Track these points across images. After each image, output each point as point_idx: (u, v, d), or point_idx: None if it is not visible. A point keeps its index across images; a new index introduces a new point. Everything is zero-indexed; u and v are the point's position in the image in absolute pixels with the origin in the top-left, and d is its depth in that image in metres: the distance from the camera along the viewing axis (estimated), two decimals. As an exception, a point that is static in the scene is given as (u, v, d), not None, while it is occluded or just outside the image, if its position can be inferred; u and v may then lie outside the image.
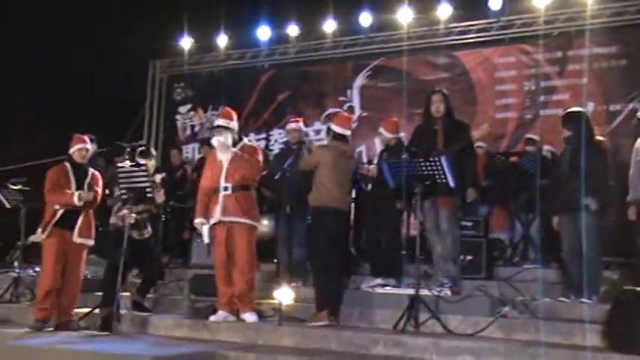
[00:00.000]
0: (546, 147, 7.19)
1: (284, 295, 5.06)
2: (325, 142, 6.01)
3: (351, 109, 9.16)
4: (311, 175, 5.29)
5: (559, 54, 8.26)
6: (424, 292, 4.87)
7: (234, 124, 5.31)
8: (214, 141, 5.26)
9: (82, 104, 10.32)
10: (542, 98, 8.20)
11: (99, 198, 5.65)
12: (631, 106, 7.58)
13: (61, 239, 5.41)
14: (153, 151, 6.17)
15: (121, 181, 5.43)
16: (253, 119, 9.92)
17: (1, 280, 6.89)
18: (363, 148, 8.95)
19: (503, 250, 6.99)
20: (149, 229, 5.72)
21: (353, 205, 6.26)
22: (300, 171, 5.69)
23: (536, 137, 7.47)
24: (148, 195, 5.41)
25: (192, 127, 10.50)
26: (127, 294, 5.66)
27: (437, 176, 4.88)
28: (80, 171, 5.56)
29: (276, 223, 6.72)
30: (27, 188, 6.58)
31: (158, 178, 5.71)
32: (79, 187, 5.50)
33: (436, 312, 4.75)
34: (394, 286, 5.61)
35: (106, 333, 5.12)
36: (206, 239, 5.33)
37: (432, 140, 5.35)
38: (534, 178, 6.40)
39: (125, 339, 4.95)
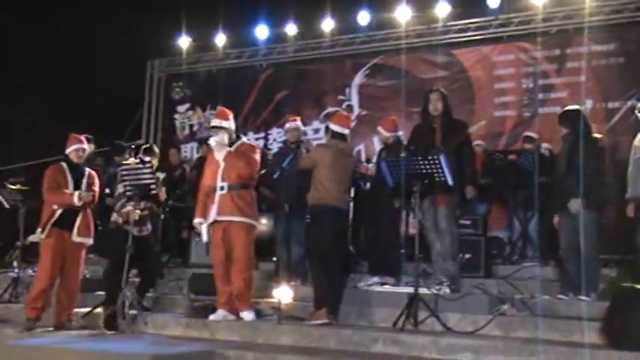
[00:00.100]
0: (545, 145, 7.20)
1: (283, 293, 5.06)
2: (324, 141, 6.01)
3: (349, 108, 9.16)
4: (310, 174, 5.29)
5: (557, 52, 8.27)
6: (423, 290, 4.88)
7: (230, 124, 5.31)
8: (211, 141, 5.28)
9: (81, 104, 10.32)
10: (540, 96, 8.21)
11: (96, 197, 5.66)
12: (629, 103, 7.59)
13: (60, 239, 5.41)
14: (156, 149, 6.20)
15: (125, 177, 5.47)
16: (252, 118, 9.92)
17: (0, 280, 6.90)
18: (361, 146, 8.95)
19: (501, 248, 7.00)
20: (149, 226, 5.75)
21: (352, 203, 6.26)
22: (300, 170, 5.69)
23: (534, 135, 7.47)
24: (153, 192, 5.45)
25: (191, 126, 10.51)
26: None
27: (435, 174, 4.89)
28: (77, 171, 5.56)
29: (275, 222, 6.72)
30: (25, 188, 6.59)
31: (160, 175, 5.76)
32: (77, 186, 5.50)
33: (435, 310, 4.75)
34: (393, 285, 5.62)
35: (112, 332, 5.14)
36: (205, 238, 5.34)
37: (431, 139, 5.35)
38: (533, 176, 6.40)
39: (124, 338, 4.95)
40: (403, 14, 8.91)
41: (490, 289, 5.35)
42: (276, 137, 9.54)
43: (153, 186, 5.43)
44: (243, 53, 10.18)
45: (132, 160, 5.62)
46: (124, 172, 5.48)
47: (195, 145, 10.09)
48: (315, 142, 6.86)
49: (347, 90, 9.42)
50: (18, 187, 6.62)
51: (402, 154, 5.26)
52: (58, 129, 5.75)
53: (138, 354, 4.26)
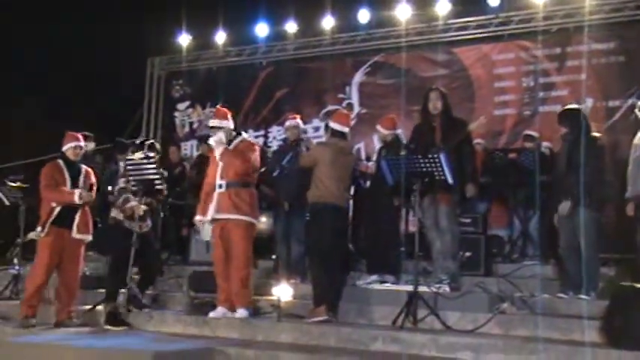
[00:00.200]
0: (545, 143, 7.20)
1: (283, 291, 5.07)
2: (324, 139, 6.01)
3: (349, 106, 9.16)
4: (309, 172, 5.30)
5: (558, 50, 8.26)
6: (423, 288, 4.88)
7: (227, 123, 5.32)
8: (211, 141, 5.30)
9: (81, 102, 10.32)
10: (540, 94, 8.20)
11: (94, 194, 5.66)
12: (630, 101, 7.58)
13: (59, 238, 5.41)
14: (157, 146, 6.22)
15: (130, 172, 5.48)
16: (252, 116, 9.91)
17: (0, 277, 6.91)
18: (361, 145, 8.95)
19: (501, 246, 6.99)
20: (149, 222, 5.76)
21: (351, 201, 6.26)
22: (300, 168, 5.69)
23: (534, 134, 7.47)
24: (158, 187, 5.47)
25: (191, 124, 10.50)
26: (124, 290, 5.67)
27: (435, 173, 4.89)
28: (74, 168, 5.57)
29: (274, 220, 6.72)
30: (26, 185, 6.59)
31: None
32: (74, 183, 5.51)
33: (435, 308, 4.75)
34: (393, 283, 5.62)
35: (117, 328, 5.14)
36: (204, 237, 5.36)
37: (431, 137, 5.36)
38: (533, 175, 6.40)
39: (124, 335, 4.96)
40: (403, 12, 8.90)
41: (490, 287, 5.34)
42: (276, 135, 9.54)
43: (158, 181, 5.46)
44: (243, 51, 10.17)
45: (137, 155, 5.64)
46: (129, 167, 5.52)
47: (195, 142, 10.08)
48: (315, 141, 6.85)
49: (347, 88, 9.41)
50: (18, 184, 6.63)
51: (402, 153, 5.25)
52: (58, 128, 5.75)
53: (138, 351, 4.26)
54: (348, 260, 6.02)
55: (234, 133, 5.36)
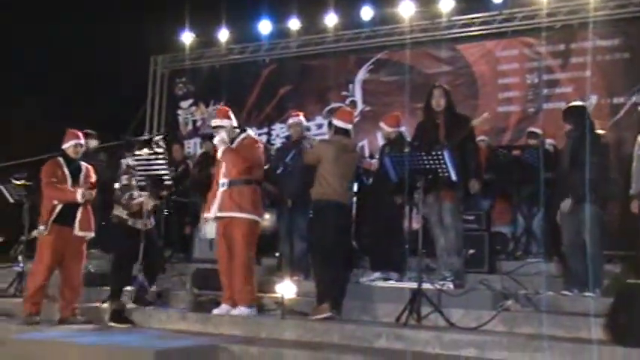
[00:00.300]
0: (549, 140, 7.17)
1: (286, 288, 5.07)
2: (327, 137, 6.01)
3: (353, 104, 9.15)
4: (313, 170, 5.29)
5: (562, 47, 8.23)
6: (426, 285, 4.88)
7: (229, 122, 5.31)
8: (214, 141, 5.31)
9: (81, 102, 10.34)
10: (544, 91, 8.18)
11: (94, 193, 5.67)
12: (634, 98, 7.56)
13: (60, 236, 5.42)
14: (162, 143, 6.22)
15: (138, 168, 5.48)
16: (255, 114, 9.91)
17: (5, 275, 6.93)
18: (365, 142, 8.93)
19: (505, 243, 6.98)
20: (152, 220, 5.76)
21: (355, 199, 6.26)
22: (303, 165, 5.69)
23: (538, 131, 7.44)
24: (166, 182, 5.48)
25: (194, 122, 10.50)
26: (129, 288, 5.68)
27: (439, 170, 4.88)
28: (74, 165, 5.57)
29: (277, 218, 6.72)
30: (29, 183, 6.60)
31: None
32: (75, 181, 5.51)
33: (439, 305, 4.75)
34: (396, 280, 5.62)
35: (124, 325, 5.16)
36: (207, 235, 5.37)
37: (434, 134, 5.35)
38: (537, 172, 6.38)
39: (128, 332, 4.97)
40: (407, 9, 8.88)
41: (494, 284, 5.33)
42: (279, 133, 9.53)
43: (166, 176, 5.47)
44: (246, 48, 10.17)
45: (145, 150, 5.65)
46: (136, 163, 5.51)
47: (198, 140, 10.10)
48: (318, 138, 6.85)
49: (350, 85, 9.40)
50: (22, 182, 6.65)
51: (406, 150, 5.24)
52: (58, 128, 5.76)
53: (142, 348, 4.26)
54: (352, 257, 6.01)
55: (237, 131, 5.36)
